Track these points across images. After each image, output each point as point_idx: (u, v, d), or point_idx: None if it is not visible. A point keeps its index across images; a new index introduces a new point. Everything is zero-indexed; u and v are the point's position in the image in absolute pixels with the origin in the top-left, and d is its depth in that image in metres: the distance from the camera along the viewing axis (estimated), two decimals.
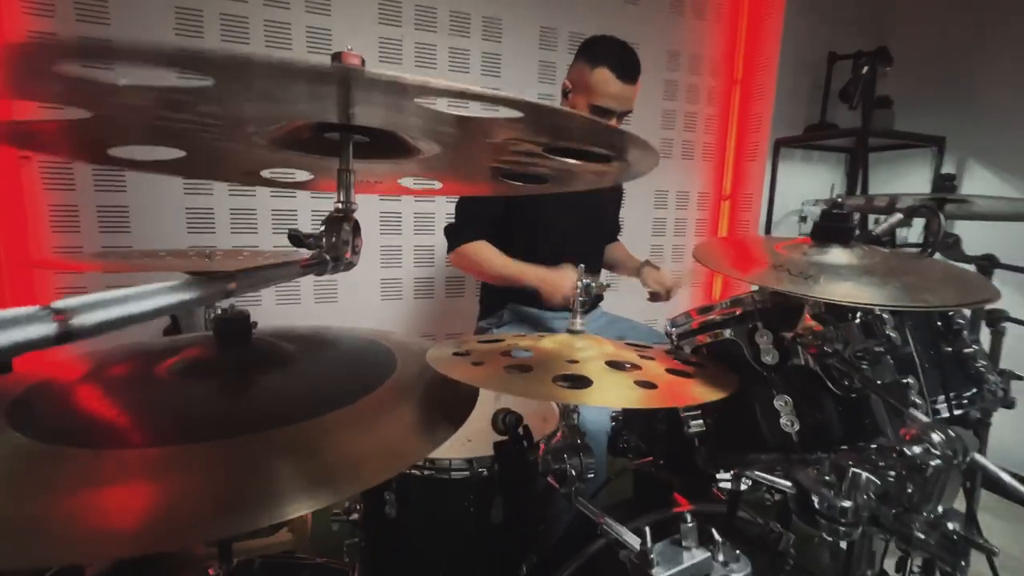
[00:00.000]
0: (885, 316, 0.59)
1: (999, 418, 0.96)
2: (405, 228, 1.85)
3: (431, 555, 0.77)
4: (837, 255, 0.54)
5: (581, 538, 0.71)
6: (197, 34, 1.53)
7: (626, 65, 1.23)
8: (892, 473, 0.42)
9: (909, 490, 0.41)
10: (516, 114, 0.35)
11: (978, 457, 0.40)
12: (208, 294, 0.30)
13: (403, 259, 1.87)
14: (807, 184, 2.25)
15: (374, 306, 1.85)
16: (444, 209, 1.88)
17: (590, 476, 0.59)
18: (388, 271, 1.85)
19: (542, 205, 1.31)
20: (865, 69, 1.87)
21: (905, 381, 0.58)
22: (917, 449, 0.40)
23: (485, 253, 1.27)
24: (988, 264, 1.03)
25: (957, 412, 0.76)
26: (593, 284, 0.62)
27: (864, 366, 0.56)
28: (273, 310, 1.72)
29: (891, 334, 0.60)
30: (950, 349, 0.77)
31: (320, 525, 1.49)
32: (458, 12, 1.81)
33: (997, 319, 1.12)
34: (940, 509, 0.40)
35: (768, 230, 2.24)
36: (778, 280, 0.51)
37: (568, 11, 1.97)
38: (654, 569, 0.39)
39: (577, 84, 1.28)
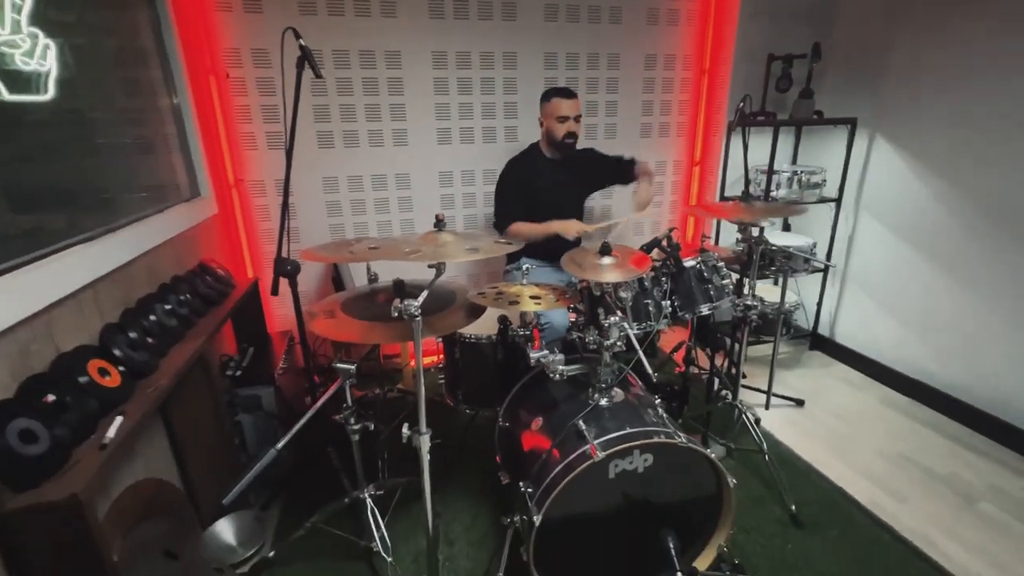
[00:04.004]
0: (645, 276, 1.52)
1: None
2: (457, 206, 2.80)
3: (474, 375, 1.83)
4: (606, 260, 1.45)
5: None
6: (321, 93, 2.46)
7: (564, 92, 2.19)
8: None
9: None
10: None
11: (628, 331, 1.34)
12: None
13: (455, 226, 2.84)
14: (752, 155, 2.93)
15: None
16: (483, 190, 2.80)
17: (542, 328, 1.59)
18: None
19: (541, 201, 2.22)
20: (783, 70, 2.52)
21: (646, 302, 1.52)
22: (607, 322, 1.35)
23: (518, 228, 2.19)
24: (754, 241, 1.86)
25: (708, 311, 1.68)
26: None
27: (626, 295, 1.50)
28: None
29: (646, 284, 1.53)
30: (707, 285, 1.67)
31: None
32: (486, 52, 2.61)
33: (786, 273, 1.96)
34: (613, 338, 1.35)
35: (723, 190, 2.98)
36: (583, 271, 1.44)
37: (565, 38, 2.70)
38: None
39: (545, 114, 2.23)
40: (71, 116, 1.45)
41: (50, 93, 1.31)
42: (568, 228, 2.08)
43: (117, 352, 1.29)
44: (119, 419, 1.14)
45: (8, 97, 1.17)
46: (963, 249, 2.31)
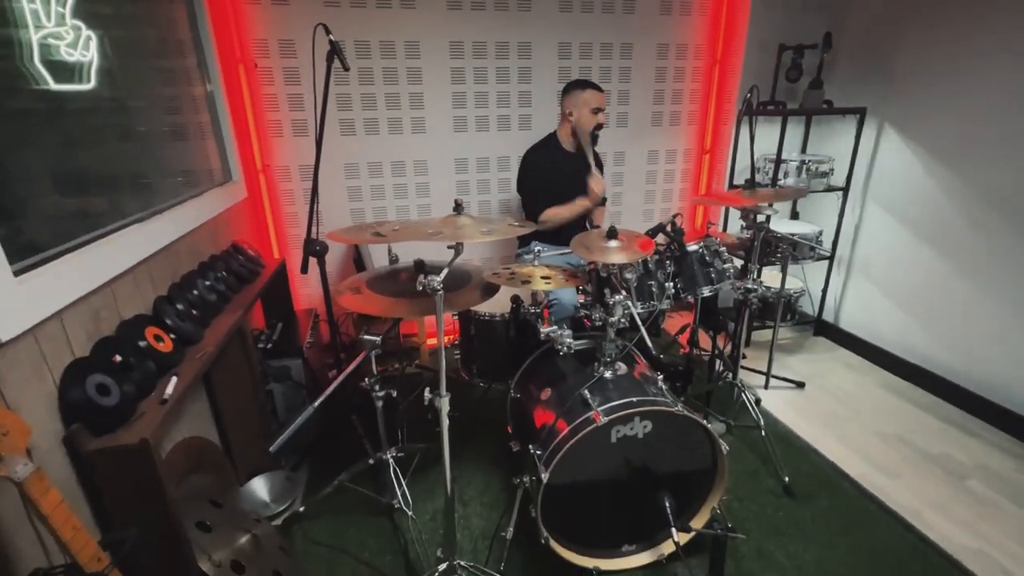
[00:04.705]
0: (649, 259, 1.62)
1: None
2: (472, 192, 2.91)
3: (487, 350, 1.95)
4: (612, 243, 1.55)
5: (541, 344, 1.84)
6: (344, 82, 2.57)
7: (596, 85, 2.25)
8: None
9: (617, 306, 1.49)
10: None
11: (631, 308, 1.45)
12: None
13: (470, 212, 2.95)
14: (762, 144, 2.99)
15: None
16: (497, 177, 2.90)
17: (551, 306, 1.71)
18: None
19: (562, 191, 2.31)
20: (794, 60, 2.57)
21: (650, 283, 1.62)
22: (612, 300, 1.46)
23: (552, 212, 2.28)
24: (759, 226, 1.94)
25: (709, 293, 1.78)
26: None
27: (631, 277, 1.60)
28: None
29: (650, 266, 1.63)
30: (709, 268, 1.77)
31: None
32: (502, 42, 2.69)
33: (786, 259, 2.04)
34: (617, 316, 1.46)
35: (732, 178, 3.05)
36: (590, 253, 1.55)
37: (578, 28, 2.76)
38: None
39: (576, 105, 2.26)
40: (112, 104, 1.54)
41: (92, 82, 1.40)
42: (594, 197, 2.23)
43: (168, 321, 1.43)
44: (175, 379, 1.28)
45: (53, 87, 1.26)
46: (966, 239, 2.37)
